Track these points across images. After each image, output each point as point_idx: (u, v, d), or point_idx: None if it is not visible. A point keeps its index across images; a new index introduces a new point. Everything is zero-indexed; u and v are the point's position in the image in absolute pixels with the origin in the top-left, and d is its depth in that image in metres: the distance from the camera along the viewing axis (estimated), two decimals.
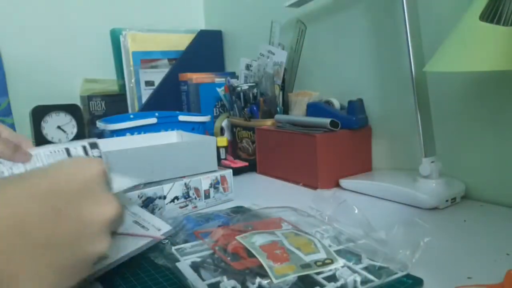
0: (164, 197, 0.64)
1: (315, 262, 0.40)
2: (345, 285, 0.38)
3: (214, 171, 0.72)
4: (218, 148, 0.90)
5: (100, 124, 0.92)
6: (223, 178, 0.71)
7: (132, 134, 0.89)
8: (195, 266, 0.42)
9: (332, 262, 0.41)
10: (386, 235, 0.46)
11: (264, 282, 0.37)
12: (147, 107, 1.15)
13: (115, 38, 1.19)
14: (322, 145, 0.78)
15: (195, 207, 0.68)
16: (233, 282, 0.38)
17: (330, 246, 0.45)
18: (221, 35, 1.33)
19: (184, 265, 0.43)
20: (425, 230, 0.53)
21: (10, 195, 0.27)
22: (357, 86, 0.88)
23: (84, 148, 0.53)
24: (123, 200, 0.42)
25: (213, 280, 0.39)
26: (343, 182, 0.78)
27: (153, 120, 0.93)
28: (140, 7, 1.30)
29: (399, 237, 0.45)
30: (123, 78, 1.19)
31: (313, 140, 0.78)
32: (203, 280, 0.40)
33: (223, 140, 0.98)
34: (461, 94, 0.71)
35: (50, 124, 1.12)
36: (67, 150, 0.51)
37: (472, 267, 0.45)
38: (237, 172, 0.89)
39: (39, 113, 1.10)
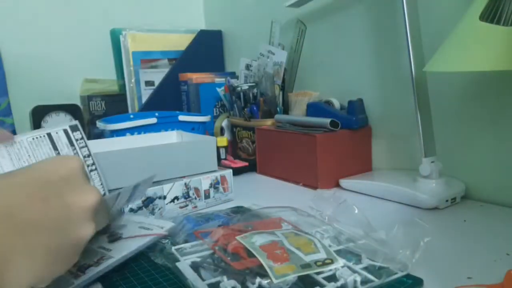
0: (164, 197, 0.64)
1: (315, 262, 0.40)
2: (345, 285, 0.38)
3: (214, 171, 0.72)
4: (218, 148, 0.90)
5: (100, 124, 0.92)
6: (223, 178, 0.71)
7: (132, 134, 0.89)
8: (195, 266, 0.42)
9: (332, 262, 0.41)
10: (386, 235, 0.46)
11: (264, 282, 0.37)
12: (147, 107, 1.15)
13: (115, 38, 1.19)
14: (322, 145, 0.78)
15: (195, 207, 0.68)
16: (233, 282, 0.38)
17: (330, 246, 0.45)
18: (221, 35, 1.33)
19: (184, 265, 0.43)
20: (425, 230, 0.53)
21: (0, 187, 0.30)
22: (357, 86, 0.88)
23: (66, 131, 0.53)
24: (110, 201, 0.43)
25: (213, 280, 0.39)
26: (343, 182, 0.78)
27: (153, 120, 0.93)
28: (140, 7, 1.30)
29: (399, 237, 0.45)
30: (123, 78, 1.19)
31: (313, 140, 0.78)
32: (203, 280, 0.40)
33: (223, 140, 0.98)
34: (461, 94, 0.71)
35: (50, 124, 1.12)
36: (49, 135, 0.52)
37: (472, 267, 0.45)
38: (237, 172, 0.89)
39: (39, 113, 1.10)
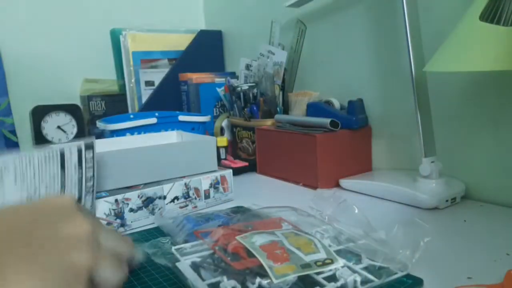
0: (164, 197, 0.64)
1: (315, 262, 0.40)
2: (345, 285, 0.38)
3: (214, 171, 0.72)
4: (218, 148, 0.90)
5: (100, 124, 0.92)
6: (223, 178, 0.71)
7: (132, 134, 0.89)
8: (195, 266, 0.42)
9: (332, 262, 0.41)
10: (386, 235, 0.46)
11: (264, 282, 0.37)
12: (147, 107, 1.15)
13: (115, 38, 1.19)
14: (322, 145, 0.78)
15: (195, 207, 0.68)
16: (233, 282, 0.38)
17: (330, 246, 0.45)
18: (221, 35, 1.33)
19: (184, 265, 0.43)
20: (425, 230, 0.53)
21: None
22: (357, 86, 0.88)
23: (79, 152, 0.53)
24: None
25: (213, 280, 0.39)
26: (343, 182, 0.78)
27: (153, 120, 0.93)
28: (140, 7, 1.30)
29: (399, 237, 0.45)
30: (123, 78, 1.19)
31: (313, 140, 0.78)
32: (203, 280, 0.40)
33: (223, 140, 0.98)
34: (461, 94, 0.71)
35: (50, 124, 1.12)
36: (62, 155, 0.51)
37: (472, 267, 0.45)
38: (237, 172, 0.89)
39: (39, 113, 1.10)
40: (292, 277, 0.38)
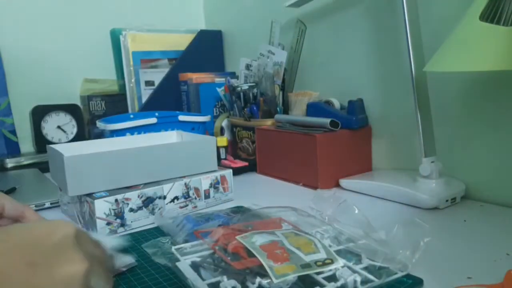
0: (164, 197, 0.64)
1: (315, 262, 0.40)
2: (345, 285, 0.38)
3: (214, 171, 0.72)
4: (218, 148, 0.90)
5: (100, 124, 0.92)
6: (223, 178, 0.71)
7: (132, 134, 0.89)
8: (195, 266, 0.42)
9: (332, 262, 0.41)
10: (386, 235, 0.46)
11: (264, 282, 0.37)
12: (147, 107, 1.15)
13: (115, 38, 1.19)
14: (322, 145, 0.78)
15: (195, 207, 0.68)
16: (233, 282, 0.38)
17: (330, 246, 0.45)
18: (221, 35, 1.33)
19: (184, 265, 0.43)
20: (425, 230, 0.53)
21: None
22: (357, 86, 0.88)
23: None
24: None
25: (213, 280, 0.39)
26: (343, 182, 0.78)
27: (153, 120, 0.93)
28: (140, 7, 1.30)
29: (399, 237, 0.45)
30: (123, 78, 1.19)
31: (313, 140, 0.78)
32: (203, 279, 0.40)
33: (223, 140, 0.98)
34: (461, 94, 0.71)
35: (50, 124, 1.12)
36: None
37: (472, 267, 0.45)
38: (237, 172, 0.89)
39: (39, 113, 1.10)
40: (292, 277, 0.38)
